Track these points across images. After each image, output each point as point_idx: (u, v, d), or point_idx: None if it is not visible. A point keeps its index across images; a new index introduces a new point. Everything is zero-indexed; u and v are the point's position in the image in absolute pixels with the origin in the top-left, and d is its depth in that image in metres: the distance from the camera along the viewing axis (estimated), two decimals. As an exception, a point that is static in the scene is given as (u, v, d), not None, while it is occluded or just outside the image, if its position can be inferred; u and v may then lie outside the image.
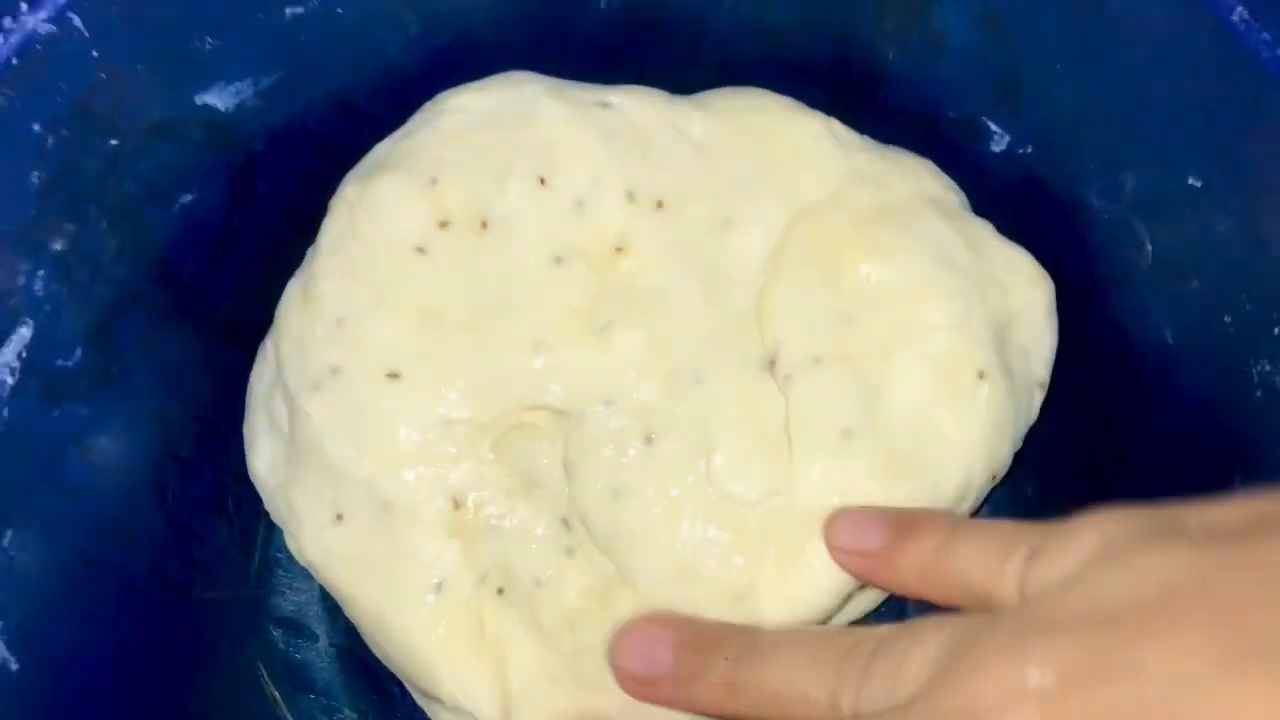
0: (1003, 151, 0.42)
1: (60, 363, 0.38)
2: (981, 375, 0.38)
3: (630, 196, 0.39)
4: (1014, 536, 0.30)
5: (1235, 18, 0.32)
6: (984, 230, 0.41)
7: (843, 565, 0.35)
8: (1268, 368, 0.35)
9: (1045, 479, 0.44)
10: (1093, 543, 0.27)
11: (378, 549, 0.37)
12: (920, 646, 0.28)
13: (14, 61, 0.34)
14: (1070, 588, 0.27)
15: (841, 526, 0.35)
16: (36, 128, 0.36)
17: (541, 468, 0.38)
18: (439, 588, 0.37)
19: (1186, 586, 0.25)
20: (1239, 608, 0.24)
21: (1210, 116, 0.34)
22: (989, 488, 0.39)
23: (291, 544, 0.39)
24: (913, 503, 0.36)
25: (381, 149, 0.41)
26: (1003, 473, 0.39)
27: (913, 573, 0.33)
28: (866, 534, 0.34)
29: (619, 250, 0.39)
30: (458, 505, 0.37)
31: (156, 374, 0.42)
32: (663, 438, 0.37)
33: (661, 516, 0.36)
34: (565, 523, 0.37)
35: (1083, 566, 0.27)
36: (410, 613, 0.37)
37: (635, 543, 0.36)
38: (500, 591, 0.37)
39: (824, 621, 0.37)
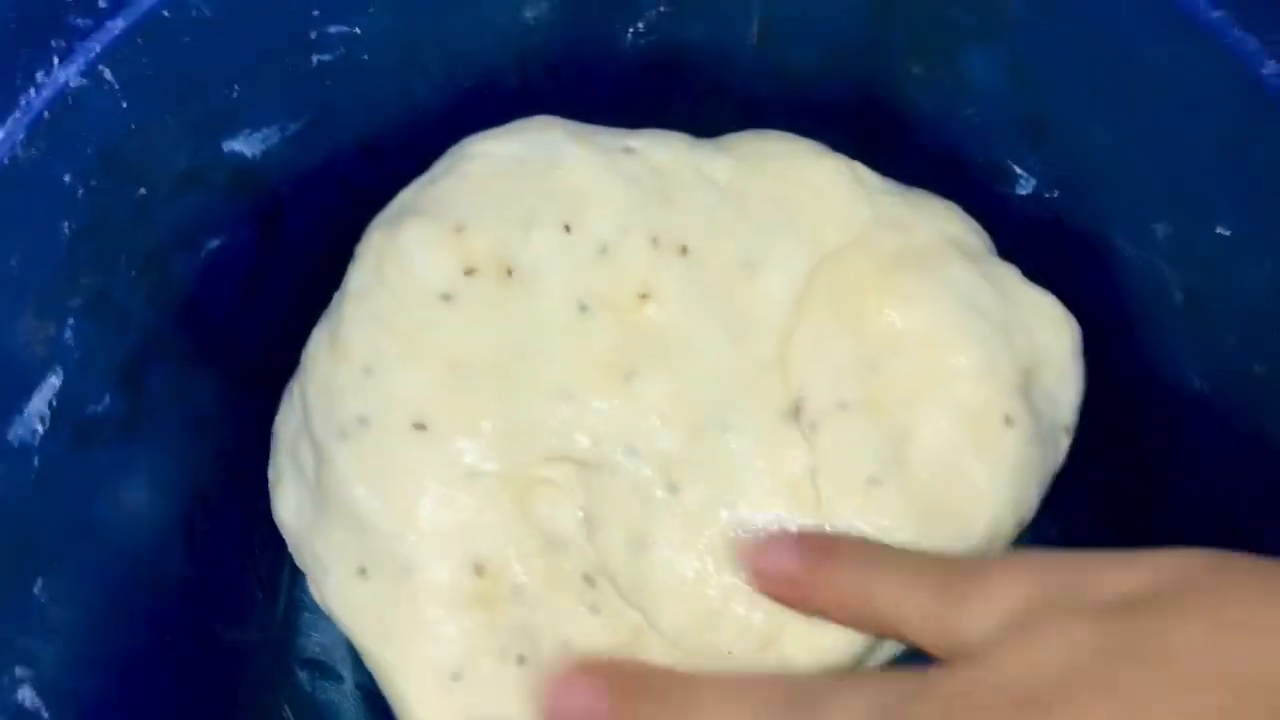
0: (1029, 195, 0.41)
1: (90, 409, 0.38)
2: (1008, 421, 0.37)
3: (654, 242, 0.39)
4: (938, 575, 0.30)
5: (1266, 72, 0.32)
6: (1009, 274, 0.40)
7: (762, 590, 0.35)
8: (1298, 418, 0.35)
9: (1069, 520, 0.44)
10: (1010, 603, 0.28)
11: (399, 613, 0.37)
12: (844, 712, 0.28)
13: (45, 115, 0.34)
14: (989, 655, 0.27)
15: (757, 548, 0.35)
16: (67, 178, 0.36)
17: (563, 525, 0.37)
18: (458, 676, 0.36)
19: (1090, 672, 0.25)
20: (1139, 701, 0.24)
21: (1239, 167, 0.34)
22: (1016, 534, 0.39)
23: (314, 591, 0.39)
24: (942, 548, 0.36)
25: (407, 195, 0.42)
26: (1030, 518, 0.39)
27: (831, 601, 0.33)
28: (780, 556, 0.34)
29: (643, 297, 0.39)
30: (480, 571, 0.37)
31: (184, 417, 0.42)
32: (686, 486, 0.37)
33: (687, 564, 0.36)
34: (588, 579, 0.37)
35: (1000, 630, 0.27)
36: (425, 695, 0.36)
37: (661, 591, 0.36)
38: (521, 660, 0.37)
39: (854, 666, 0.37)
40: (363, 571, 0.38)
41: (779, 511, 0.37)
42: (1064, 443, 0.40)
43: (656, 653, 0.37)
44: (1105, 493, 0.43)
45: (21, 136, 0.34)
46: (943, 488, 0.37)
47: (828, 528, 0.36)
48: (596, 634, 0.37)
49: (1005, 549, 0.39)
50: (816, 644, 0.36)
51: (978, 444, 0.37)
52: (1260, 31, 0.32)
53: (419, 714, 0.37)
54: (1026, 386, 0.39)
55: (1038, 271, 0.41)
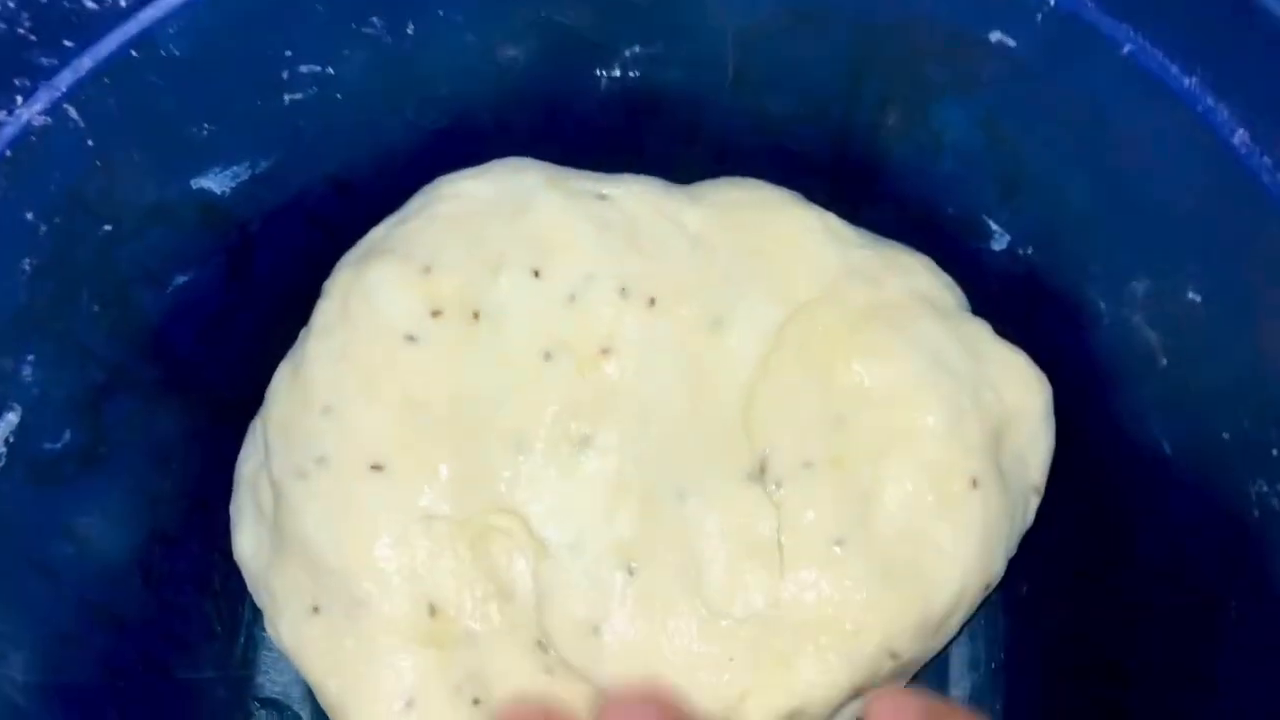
0: (1003, 250, 0.41)
1: (47, 446, 0.38)
2: (975, 484, 0.37)
3: (623, 292, 0.39)
4: None
5: (1236, 140, 0.32)
6: (981, 331, 0.40)
7: None
8: (1265, 488, 0.34)
9: (1039, 579, 0.43)
10: None
11: (352, 648, 0.37)
12: None
13: (7, 153, 0.34)
14: None
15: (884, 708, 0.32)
16: (29, 216, 0.36)
17: (516, 580, 0.37)
18: (411, 704, 0.36)
19: None
20: None
21: (1211, 233, 0.34)
22: (984, 595, 0.39)
23: (270, 628, 0.39)
24: (905, 613, 0.36)
25: (377, 233, 0.41)
26: (996, 581, 0.39)
27: None
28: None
29: (605, 352, 0.38)
30: (434, 611, 0.36)
31: (146, 452, 0.42)
32: (645, 566, 0.36)
33: (645, 643, 0.36)
34: (540, 645, 0.37)
35: None
36: None
37: (616, 672, 0.36)
38: (476, 702, 0.36)
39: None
40: (316, 609, 0.38)
41: (746, 578, 0.36)
42: (1033, 502, 0.40)
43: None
44: (1074, 552, 0.42)
45: (-19, 175, 0.33)
46: (908, 549, 0.37)
47: (788, 589, 0.36)
48: (549, 694, 0.37)
49: (970, 610, 0.39)
50: (781, 708, 0.36)
51: (943, 506, 0.37)
52: (1231, 100, 0.32)
53: None
54: (995, 447, 0.38)
55: (1012, 327, 0.40)
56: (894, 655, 0.36)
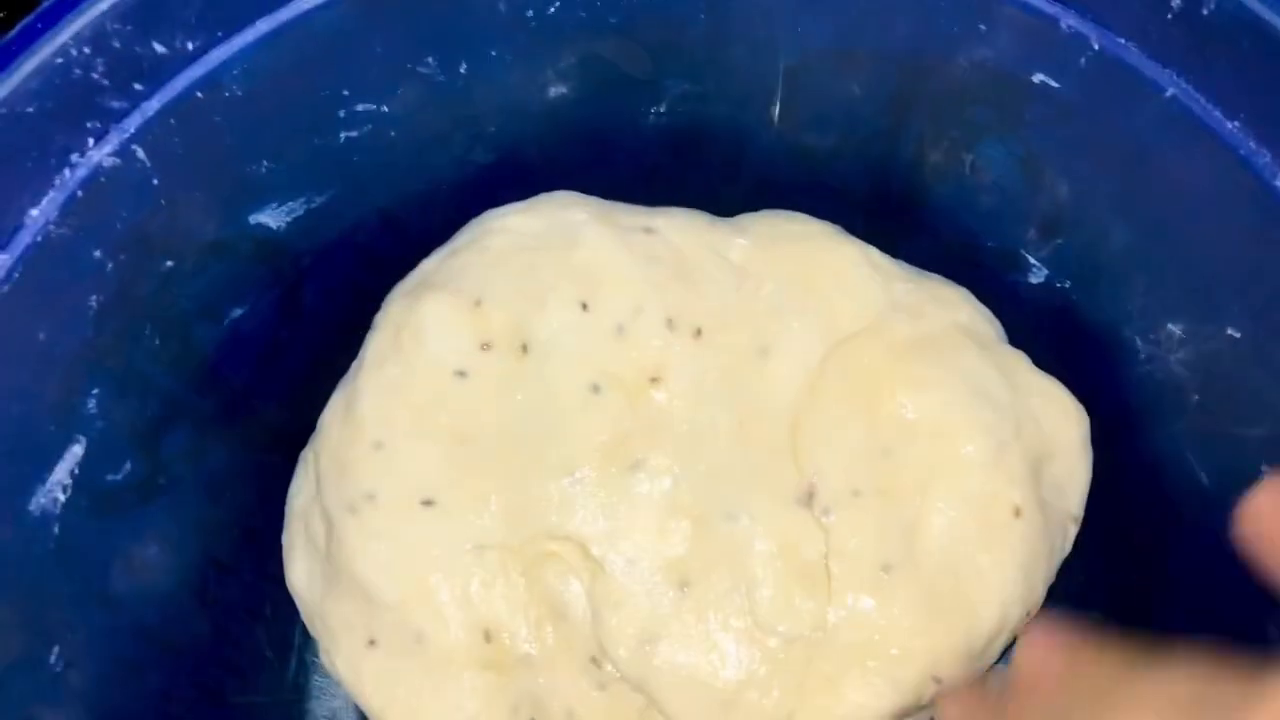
0: (1041, 283, 0.42)
1: (110, 477, 0.39)
2: (1017, 513, 0.38)
3: (670, 324, 0.40)
4: None
5: (1279, 182, 0.33)
6: (1020, 362, 0.41)
7: None
8: (1305, 523, 0.35)
9: (1074, 607, 0.44)
10: None
11: (410, 679, 0.37)
12: None
13: (79, 194, 0.35)
14: None
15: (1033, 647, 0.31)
16: (97, 254, 0.37)
17: (570, 601, 0.38)
18: None
19: None
20: None
21: (1250, 272, 0.35)
22: (1025, 622, 0.40)
23: (325, 659, 0.40)
24: (949, 639, 0.37)
25: (428, 266, 0.42)
26: (1037, 608, 0.39)
27: None
28: None
29: (654, 381, 0.39)
30: (489, 637, 0.37)
31: (201, 482, 0.43)
32: (697, 582, 0.37)
33: (698, 657, 0.37)
34: (595, 661, 0.38)
35: None
36: None
37: (671, 682, 0.37)
38: None
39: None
40: (372, 643, 0.38)
41: (795, 600, 0.37)
42: (1071, 531, 0.40)
43: (663, 734, 0.37)
44: (1110, 582, 0.43)
45: (55, 215, 0.34)
46: (952, 577, 0.37)
47: (836, 613, 0.37)
48: (602, 712, 0.38)
49: (1011, 636, 0.39)
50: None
51: (986, 535, 0.38)
52: (1274, 145, 0.33)
53: None
54: (1035, 476, 0.39)
55: (1048, 358, 0.41)
56: (938, 680, 0.37)
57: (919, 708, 0.37)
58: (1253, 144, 0.33)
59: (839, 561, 0.37)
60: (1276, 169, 0.33)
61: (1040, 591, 0.39)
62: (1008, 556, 0.38)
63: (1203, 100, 0.33)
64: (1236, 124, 0.33)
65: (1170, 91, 0.34)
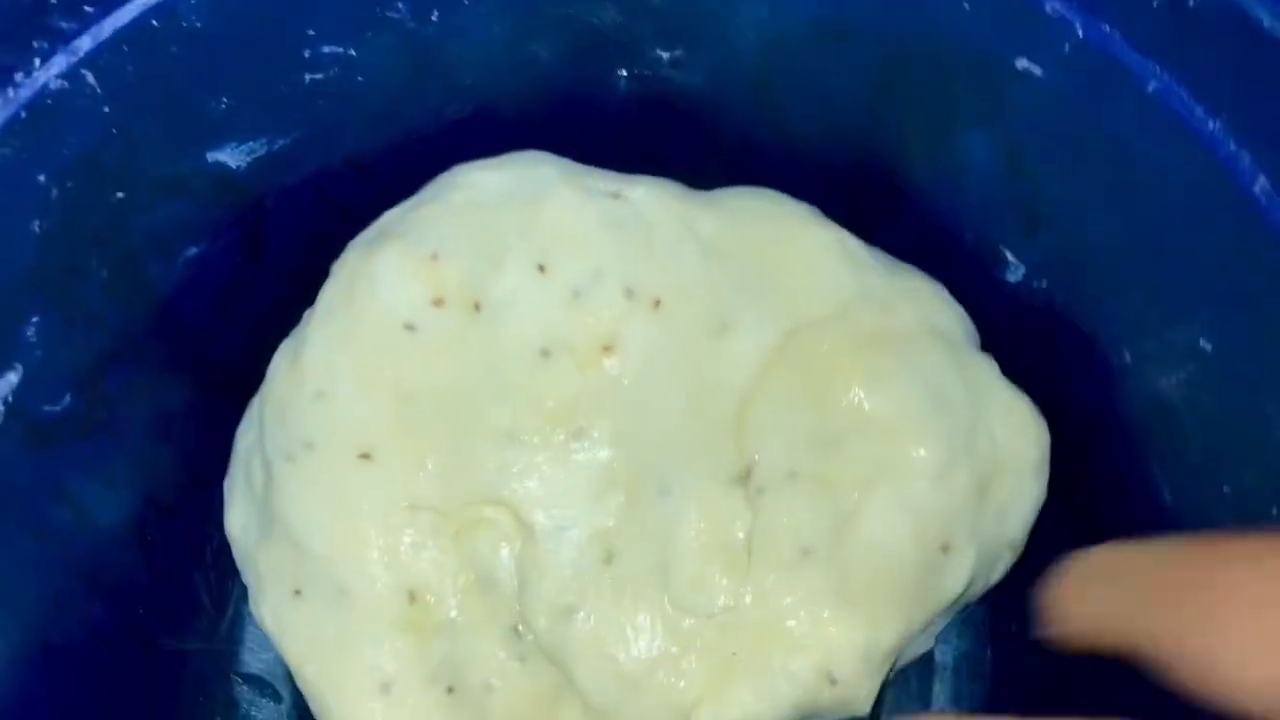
0: (1019, 282, 0.40)
1: (47, 409, 0.38)
2: (945, 549, 0.37)
3: (629, 293, 0.39)
4: None
5: (1257, 189, 0.31)
6: (986, 369, 0.39)
7: None
8: (1262, 548, 0.33)
9: (1027, 617, 0.43)
10: None
11: (331, 633, 0.37)
12: None
13: (22, 115, 0.34)
14: None
15: None
16: (41, 178, 0.36)
17: (498, 569, 0.37)
18: (386, 689, 0.36)
19: None
20: None
21: (1226, 282, 0.33)
22: (931, 630, 0.39)
23: (253, 607, 0.39)
24: (849, 637, 0.36)
25: (390, 217, 0.41)
26: (943, 626, 0.38)
27: None
28: None
29: (606, 350, 0.38)
30: (414, 599, 0.36)
31: (147, 422, 0.42)
32: (622, 555, 0.36)
33: (612, 631, 0.36)
34: (517, 631, 0.37)
35: None
36: (352, 708, 0.36)
37: (583, 656, 0.36)
38: (450, 690, 0.36)
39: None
40: (298, 593, 0.38)
41: (713, 577, 0.36)
42: (1005, 559, 0.39)
43: (575, 712, 0.36)
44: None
45: (-5, 135, 0.34)
46: (870, 576, 0.36)
47: (749, 594, 0.35)
48: (519, 683, 0.37)
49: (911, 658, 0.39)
50: (731, 716, 0.35)
51: (913, 551, 0.37)
52: (1255, 147, 0.31)
53: None
54: (980, 496, 0.38)
55: (1020, 362, 0.40)
56: (833, 681, 0.36)
57: (814, 710, 0.36)
58: (1232, 145, 0.31)
59: (761, 541, 0.36)
60: (1255, 172, 0.31)
61: (952, 614, 0.38)
62: (925, 582, 0.37)
63: (1185, 95, 0.32)
64: (1217, 124, 0.31)
65: (1152, 85, 0.32)
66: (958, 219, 0.41)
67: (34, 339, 0.37)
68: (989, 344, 0.40)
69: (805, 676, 0.35)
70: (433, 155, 0.42)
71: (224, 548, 0.42)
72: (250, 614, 0.44)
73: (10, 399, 0.37)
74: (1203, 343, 0.34)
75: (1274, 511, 0.33)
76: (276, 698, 0.44)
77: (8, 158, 0.34)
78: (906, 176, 0.41)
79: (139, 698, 0.42)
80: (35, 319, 0.37)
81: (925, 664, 0.44)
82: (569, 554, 0.36)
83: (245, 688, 0.44)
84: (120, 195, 0.38)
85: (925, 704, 0.44)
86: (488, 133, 0.42)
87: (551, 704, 0.36)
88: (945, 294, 0.40)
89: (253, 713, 0.44)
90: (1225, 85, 0.31)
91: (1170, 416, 0.36)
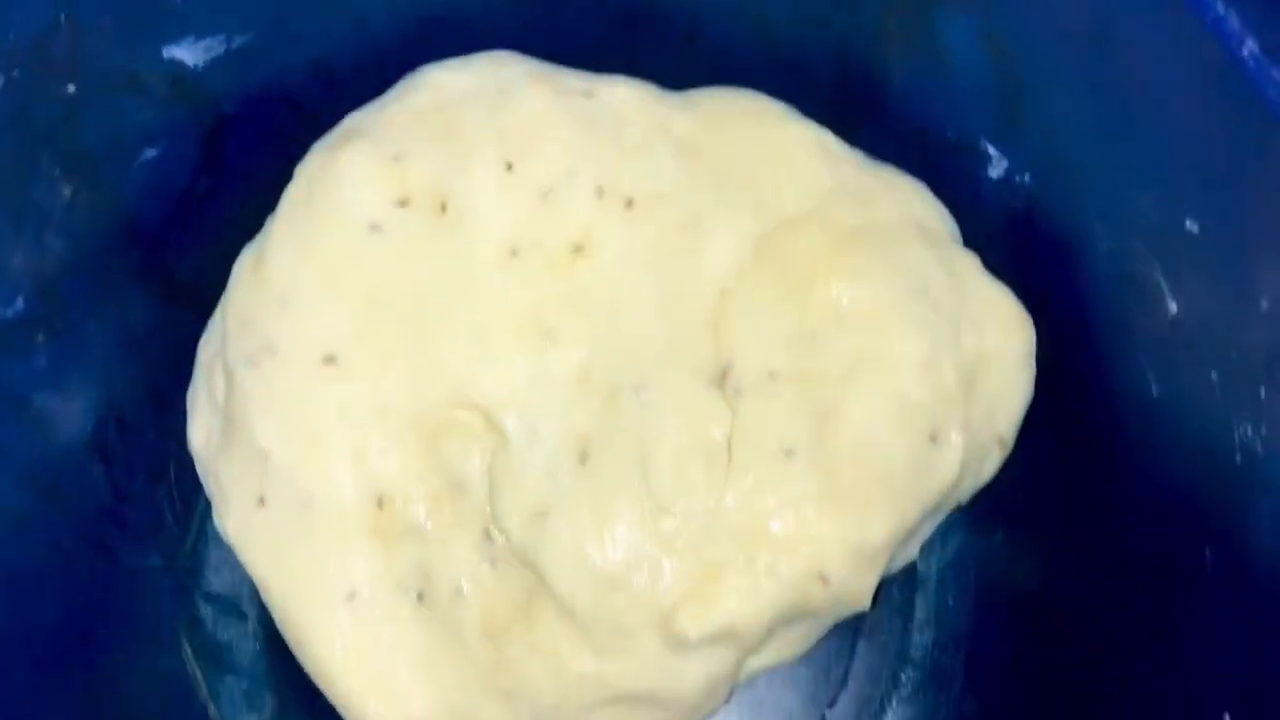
0: (1000, 178, 0.39)
1: (-1, 311, 0.37)
2: (934, 439, 0.36)
3: (600, 192, 0.38)
4: None
5: (1245, 52, 0.30)
6: (970, 263, 0.38)
7: None
8: (1249, 431, 0.32)
9: (1015, 525, 0.42)
10: None
11: (296, 541, 0.36)
12: None
13: (-36, -3, 0.33)
14: None
15: None
16: (-13, 67, 0.35)
17: (469, 473, 0.36)
18: (352, 596, 0.35)
19: None
20: None
21: (1212, 158, 0.32)
22: (925, 527, 0.38)
23: (217, 520, 0.38)
24: (841, 535, 0.34)
25: (354, 119, 0.40)
26: (942, 516, 0.38)
27: None
28: None
29: (577, 250, 0.37)
30: (381, 504, 0.35)
31: (107, 333, 0.41)
32: (597, 457, 0.35)
33: (588, 533, 0.34)
34: (488, 534, 0.36)
35: None
36: (318, 619, 0.35)
37: (558, 558, 0.35)
38: (420, 597, 0.35)
39: (746, 645, 0.35)
40: (262, 501, 0.37)
41: (692, 476, 0.35)
42: (995, 455, 0.38)
43: (550, 614, 0.35)
44: (1053, 495, 0.41)
45: (-66, 16, 0.32)
46: (857, 474, 0.35)
47: (731, 496, 0.34)
48: (491, 587, 0.36)
49: (907, 555, 0.38)
50: (711, 616, 0.34)
51: (901, 443, 0.35)
52: (1242, 7, 0.30)
53: (310, 633, 0.36)
54: (966, 391, 0.37)
55: (1004, 261, 0.39)
56: (825, 580, 0.35)
57: (806, 610, 0.35)
58: (1219, 8, 0.30)
59: (742, 441, 0.35)
60: (1243, 35, 0.30)
61: (948, 505, 0.37)
62: (913, 475, 0.35)
63: (1170, -42, 0.31)
64: (1204, -16, 0.30)
65: (1136, -51, 0.31)
66: (939, 115, 0.40)
67: (-18, 237, 0.36)
68: (971, 242, 0.39)
69: (793, 577, 0.34)
70: (399, 59, 0.41)
71: (187, 466, 0.41)
72: (214, 533, 0.43)
73: (-42, 299, 0.36)
74: (1189, 224, 0.33)
75: (1261, 394, 0.32)
76: (241, 617, 0.43)
77: (-50, 42, 0.33)
78: (887, 72, 0.40)
79: (103, 614, 0.41)
80: (-17, 216, 0.36)
81: (909, 576, 0.43)
82: (543, 456, 0.35)
83: (210, 607, 0.43)
84: (71, 89, 0.37)
85: (907, 618, 0.43)
86: (456, 35, 0.41)
87: (525, 608, 0.35)
88: (926, 190, 0.39)
89: (218, 632, 0.43)
90: (1211, -59, 0.30)
91: (1155, 305, 0.35)
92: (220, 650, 0.43)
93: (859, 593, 0.35)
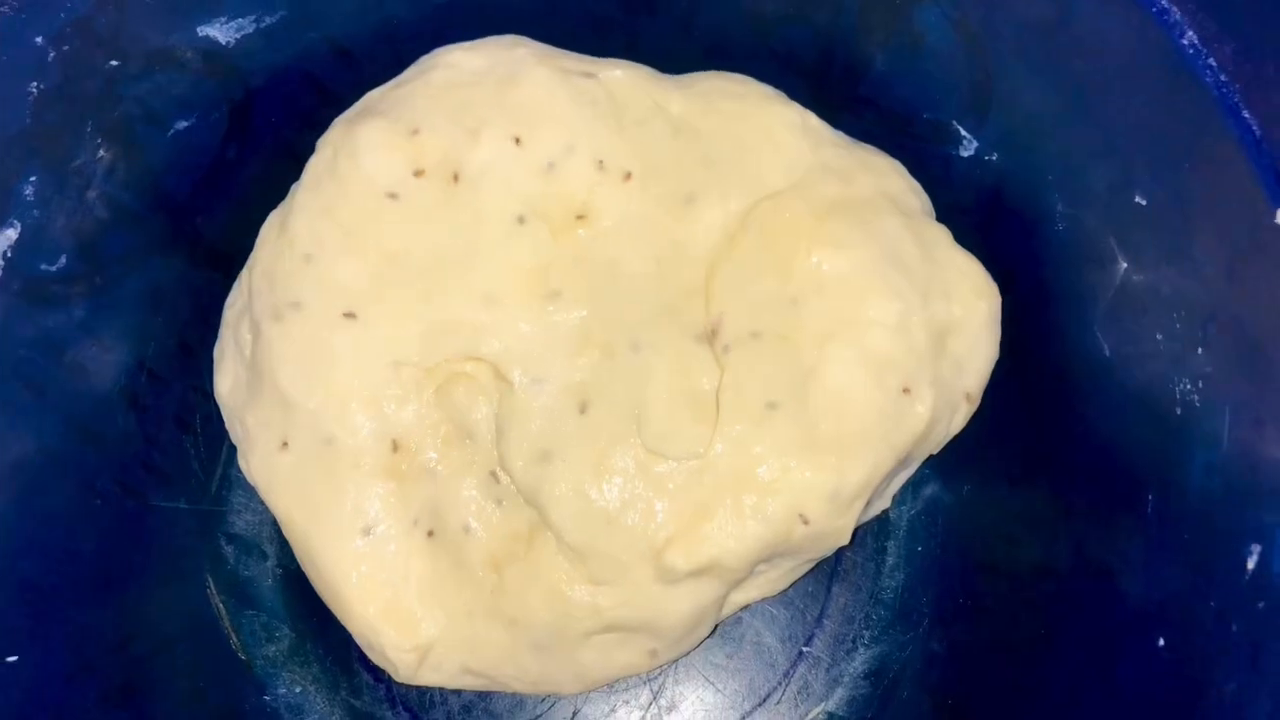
0: (970, 157, 0.42)
1: (44, 267, 0.40)
2: (906, 391, 0.39)
3: (600, 165, 0.41)
4: None
5: (1185, 42, 0.33)
6: (940, 235, 0.41)
7: None
8: (1188, 386, 0.36)
9: (980, 478, 0.45)
10: None
11: (316, 481, 0.39)
12: None
13: (21, -25, 0.36)
14: None
15: None
16: (39, 40, 0.37)
17: (477, 420, 0.39)
18: (368, 531, 0.38)
19: None
20: None
21: (1157, 136, 0.35)
22: (895, 489, 0.41)
23: (242, 463, 0.41)
24: (818, 479, 0.38)
25: (373, 96, 0.43)
26: (914, 469, 0.41)
27: None
28: None
29: (580, 217, 0.40)
30: (397, 447, 0.39)
31: (141, 290, 0.44)
32: (596, 406, 0.38)
33: (586, 473, 0.38)
34: (494, 475, 0.39)
35: None
36: (336, 551, 0.38)
37: (558, 496, 0.38)
38: (430, 534, 0.39)
39: (732, 579, 0.39)
40: (285, 444, 0.40)
41: (682, 425, 0.38)
42: (963, 410, 0.41)
43: (550, 549, 0.38)
44: (1013, 450, 0.44)
45: (-6, -9, 0.35)
46: (834, 425, 0.38)
47: (719, 443, 0.38)
48: (496, 523, 0.39)
49: (882, 502, 0.41)
50: (701, 553, 0.37)
51: (875, 397, 0.39)
52: (1182, 3, 0.33)
53: (328, 564, 0.39)
54: (936, 349, 0.40)
55: (974, 235, 0.42)
56: (805, 520, 0.38)
57: (788, 547, 0.38)
58: (1164, 1, 0.33)
59: (729, 395, 0.38)
60: (1184, 27, 0.33)
61: (919, 458, 0.40)
62: (885, 427, 0.39)
63: (1120, -44, 0.34)
64: (1149, -22, 0.33)
65: (1091, -52, 0.34)
66: (914, 99, 0.43)
67: (31, 198, 0.39)
68: (943, 216, 0.42)
69: (776, 517, 0.37)
70: (414, 42, 0.44)
71: (212, 416, 0.44)
72: (238, 479, 0.47)
73: (10, 253, 0.39)
74: (1138, 197, 0.36)
75: (1199, 352, 0.35)
76: (262, 556, 0.46)
77: (7, 17, 0.36)
78: (867, 59, 0.43)
79: (133, 551, 0.44)
80: (33, 178, 0.39)
81: (881, 525, 0.46)
82: (545, 404, 0.39)
83: (232, 546, 0.46)
84: (114, 63, 0.40)
85: (879, 563, 0.46)
86: (468, 19, 0.44)
87: (527, 543, 0.39)
88: (902, 169, 0.42)
89: (240, 569, 0.46)
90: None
91: (1109, 272, 0.38)
92: (241, 586, 0.46)
93: (836, 532, 0.38)
